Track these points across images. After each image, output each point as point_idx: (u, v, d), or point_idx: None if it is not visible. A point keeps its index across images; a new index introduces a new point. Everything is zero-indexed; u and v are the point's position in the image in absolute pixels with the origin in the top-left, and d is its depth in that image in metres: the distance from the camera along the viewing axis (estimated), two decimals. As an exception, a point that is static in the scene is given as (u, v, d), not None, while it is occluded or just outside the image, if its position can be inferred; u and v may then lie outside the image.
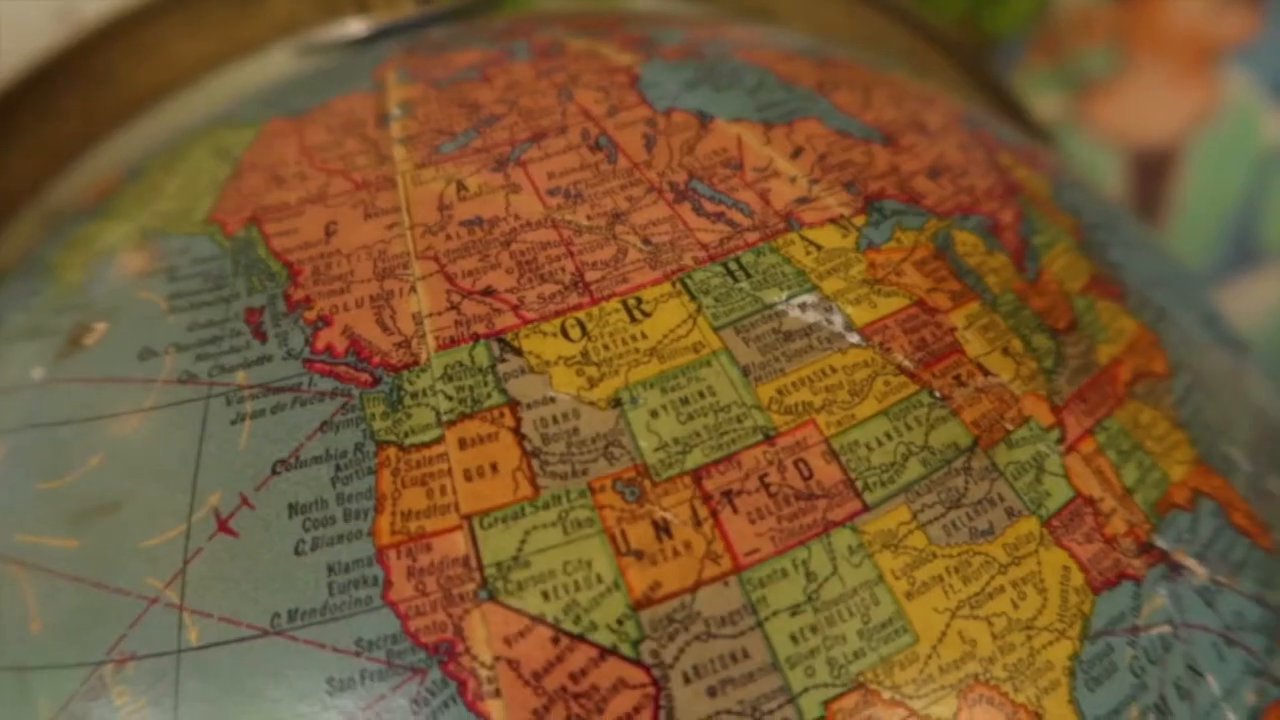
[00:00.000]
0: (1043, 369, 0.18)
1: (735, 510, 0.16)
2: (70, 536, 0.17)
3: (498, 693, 0.15)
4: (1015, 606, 0.16)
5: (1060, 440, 0.18)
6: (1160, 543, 0.18)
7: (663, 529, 0.15)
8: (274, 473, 0.16)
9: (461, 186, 0.19)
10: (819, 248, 0.18)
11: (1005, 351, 0.18)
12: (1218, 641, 0.17)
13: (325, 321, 0.17)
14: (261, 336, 0.18)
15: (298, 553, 0.16)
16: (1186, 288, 0.23)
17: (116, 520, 0.17)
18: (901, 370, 0.17)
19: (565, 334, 0.17)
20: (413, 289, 0.18)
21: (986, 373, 0.18)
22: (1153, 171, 0.53)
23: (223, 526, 0.16)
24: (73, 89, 0.25)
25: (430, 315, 0.17)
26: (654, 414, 0.16)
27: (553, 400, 0.16)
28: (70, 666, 0.16)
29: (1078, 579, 0.17)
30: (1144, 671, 0.16)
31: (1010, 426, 0.17)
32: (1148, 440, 0.19)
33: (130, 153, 0.26)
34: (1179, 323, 0.22)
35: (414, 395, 0.16)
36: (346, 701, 0.15)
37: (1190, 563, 0.18)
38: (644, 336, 0.17)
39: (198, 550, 0.16)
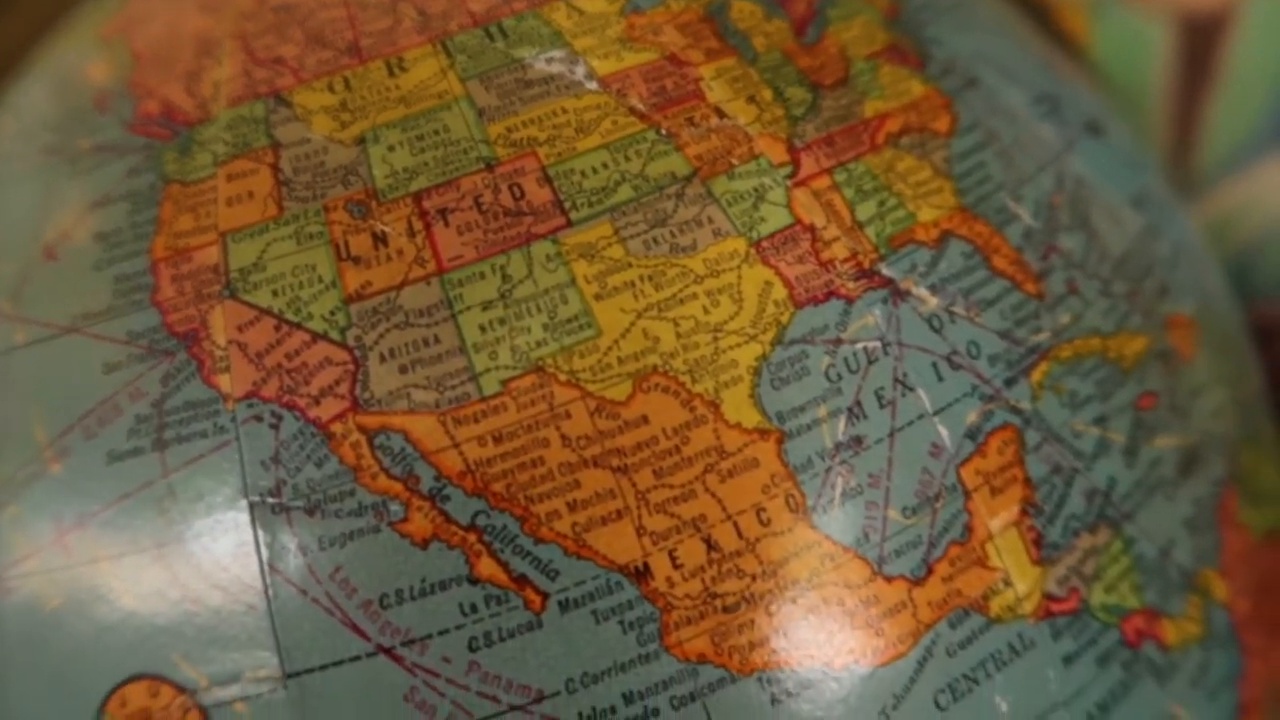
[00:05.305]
0: (790, 116, 0.19)
1: (447, 225, 0.18)
2: (-47, 276, 0.21)
3: (227, 368, 0.17)
4: (706, 312, 0.17)
5: (790, 176, 0.18)
6: (886, 271, 0.18)
7: (380, 239, 0.18)
8: (90, 211, 0.19)
9: (282, -17, 0.21)
10: (581, 13, 0.20)
11: (751, 99, 0.19)
12: (939, 363, 0.18)
13: (151, 94, 0.20)
14: (105, 112, 0.21)
15: (96, 269, 0.19)
16: (1025, 69, 0.23)
17: (-18, 259, 0.20)
18: (633, 112, 0.19)
19: (330, 89, 0.19)
20: (219, 62, 0.20)
21: (723, 115, 0.19)
22: (1203, 38, 0.50)
23: (48, 254, 0.19)
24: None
25: (227, 80, 0.20)
26: (391, 149, 0.18)
27: (308, 141, 0.19)
28: (-58, 371, 0.20)
29: (780, 293, 0.18)
30: (840, 379, 0.17)
31: (736, 162, 0.18)
32: (899, 184, 0.19)
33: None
34: (991, 93, 0.22)
35: (200, 143, 0.19)
36: (116, 378, 0.18)
37: (921, 292, 0.18)
38: (397, 88, 0.19)
39: (31, 273, 0.19)
